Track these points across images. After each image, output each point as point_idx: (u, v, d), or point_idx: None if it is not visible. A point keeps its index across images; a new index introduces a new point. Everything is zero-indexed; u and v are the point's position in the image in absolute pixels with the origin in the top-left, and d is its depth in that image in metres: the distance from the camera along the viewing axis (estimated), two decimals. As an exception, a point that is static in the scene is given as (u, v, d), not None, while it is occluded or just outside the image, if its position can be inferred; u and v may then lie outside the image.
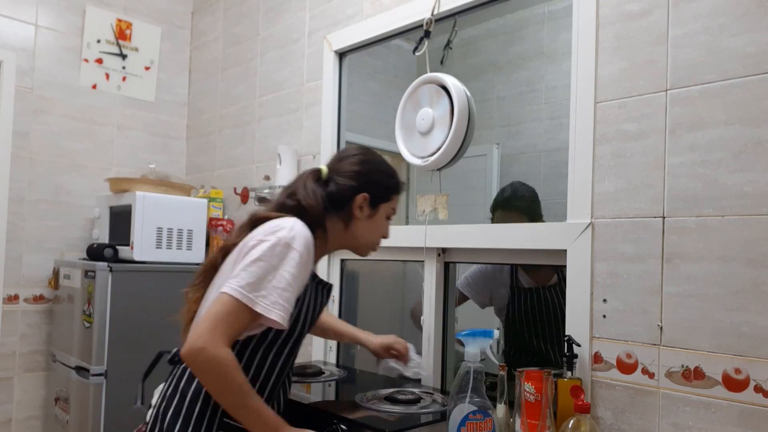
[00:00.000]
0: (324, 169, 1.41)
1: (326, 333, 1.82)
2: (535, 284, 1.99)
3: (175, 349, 1.37)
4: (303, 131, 2.42)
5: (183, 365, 1.31)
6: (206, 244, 2.66)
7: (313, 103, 2.38)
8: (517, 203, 2.01)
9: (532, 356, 2.00)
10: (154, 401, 1.35)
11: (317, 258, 1.37)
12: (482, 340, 1.30)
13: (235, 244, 1.29)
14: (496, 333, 1.35)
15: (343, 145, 2.32)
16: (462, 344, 1.32)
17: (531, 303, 1.99)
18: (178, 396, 1.26)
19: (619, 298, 1.40)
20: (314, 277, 1.37)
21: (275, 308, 1.17)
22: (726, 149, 1.25)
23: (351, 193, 1.38)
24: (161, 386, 1.36)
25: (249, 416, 1.17)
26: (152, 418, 1.28)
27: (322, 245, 1.37)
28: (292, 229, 1.23)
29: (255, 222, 1.31)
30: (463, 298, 2.05)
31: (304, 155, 2.40)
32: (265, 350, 1.28)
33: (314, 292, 1.36)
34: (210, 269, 1.35)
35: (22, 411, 2.68)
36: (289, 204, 1.34)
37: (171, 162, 3.15)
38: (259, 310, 1.15)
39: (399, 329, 2.36)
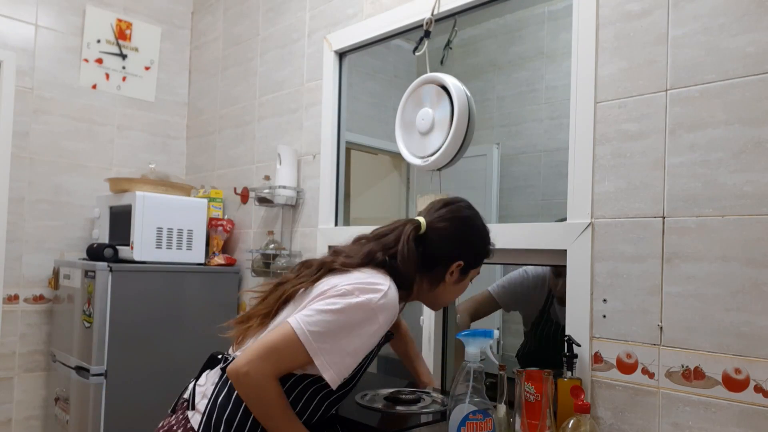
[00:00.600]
0: (423, 224, 1.32)
1: (396, 349, 1.72)
2: (563, 321, 1.95)
3: (229, 355, 1.30)
4: (303, 131, 2.42)
5: None
6: (206, 244, 2.66)
7: (313, 103, 2.38)
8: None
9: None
10: (198, 403, 1.26)
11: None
12: (482, 340, 1.29)
13: (310, 286, 1.23)
14: (496, 333, 1.35)
15: (343, 145, 2.32)
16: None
17: (554, 336, 1.96)
18: (231, 406, 1.20)
19: (619, 298, 1.40)
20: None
21: (332, 368, 1.13)
22: (726, 149, 1.25)
23: (447, 260, 1.32)
24: (195, 385, 1.30)
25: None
26: (202, 426, 1.21)
27: (401, 302, 1.31)
28: (386, 295, 1.16)
29: (334, 269, 1.24)
30: (492, 305, 2.01)
31: (304, 155, 2.40)
32: (316, 390, 1.23)
33: (377, 346, 1.29)
34: (280, 299, 1.26)
35: (22, 411, 2.68)
36: (385, 261, 1.26)
37: (171, 162, 3.15)
38: (317, 363, 1.12)
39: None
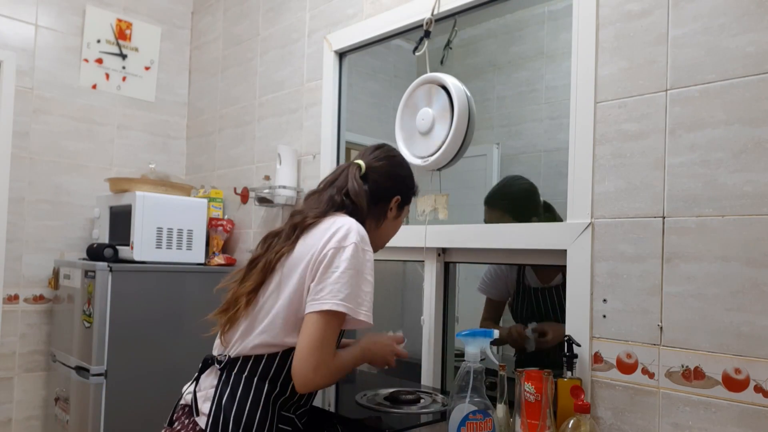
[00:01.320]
0: (363, 165, 1.43)
1: None
2: (540, 284, 1.99)
3: (222, 356, 1.31)
4: (303, 131, 2.42)
5: (235, 371, 1.27)
6: (206, 244, 2.66)
7: (313, 103, 2.38)
8: (502, 201, 1.97)
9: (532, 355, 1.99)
10: (201, 406, 1.26)
11: None
12: (482, 340, 1.30)
13: (291, 249, 1.30)
14: (496, 333, 1.35)
15: (343, 145, 2.32)
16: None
17: (536, 302, 1.98)
18: (236, 405, 1.22)
19: (619, 298, 1.40)
20: None
21: (370, 312, 1.26)
22: (726, 149, 1.25)
23: (388, 194, 1.44)
24: (195, 391, 1.30)
25: (353, 366, 1.39)
26: (209, 429, 1.21)
27: None
28: (358, 232, 1.28)
29: (308, 225, 1.32)
30: (494, 304, 2.02)
31: (304, 155, 2.40)
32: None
33: None
34: (265, 270, 1.31)
35: (22, 411, 2.68)
36: (344, 202, 1.37)
37: (171, 162, 3.15)
38: (361, 317, 1.23)
39: (399, 329, 2.36)
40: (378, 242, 1.47)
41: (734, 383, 1.21)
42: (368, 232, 1.38)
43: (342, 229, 1.28)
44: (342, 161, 2.31)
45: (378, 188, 1.42)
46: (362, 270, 1.25)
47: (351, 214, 1.34)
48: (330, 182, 1.42)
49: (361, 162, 1.43)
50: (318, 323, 1.20)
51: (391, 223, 1.48)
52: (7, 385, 2.65)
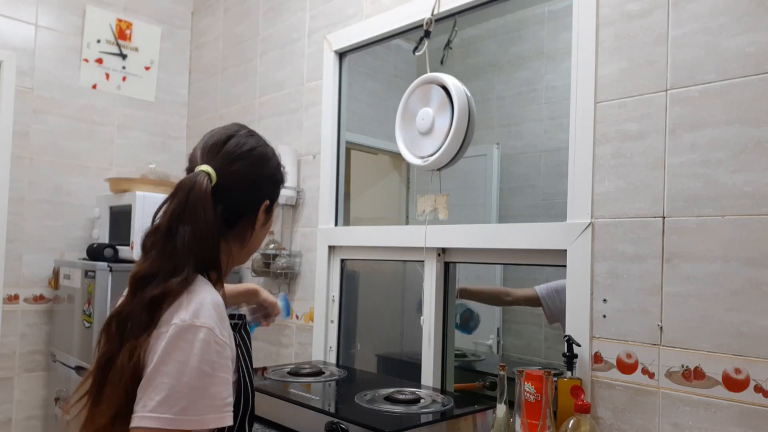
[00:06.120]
0: (212, 175, 1.00)
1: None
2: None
3: None
4: (303, 131, 2.42)
5: None
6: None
7: (313, 103, 2.38)
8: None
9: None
10: None
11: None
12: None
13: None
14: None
15: (343, 145, 2.31)
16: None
17: None
18: None
19: (619, 298, 1.40)
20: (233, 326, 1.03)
21: (217, 414, 0.89)
22: (726, 149, 1.25)
23: (253, 206, 1.07)
24: None
25: None
26: None
27: (220, 284, 1.02)
28: (205, 322, 0.90)
29: (168, 302, 0.92)
30: (529, 302, 1.92)
31: (304, 155, 2.40)
32: (239, 427, 1.02)
33: (240, 341, 1.04)
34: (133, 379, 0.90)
35: (22, 411, 2.68)
36: (189, 258, 0.95)
37: (171, 162, 3.15)
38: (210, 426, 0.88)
39: (399, 329, 2.36)
40: (242, 260, 1.13)
41: (734, 383, 1.21)
42: (229, 262, 1.07)
43: (187, 320, 0.90)
44: (342, 161, 2.31)
45: (238, 204, 1.04)
46: (209, 373, 0.89)
47: (202, 271, 0.97)
48: (172, 227, 0.96)
49: (208, 170, 1.00)
50: None
51: (260, 232, 1.11)
52: (7, 385, 2.65)
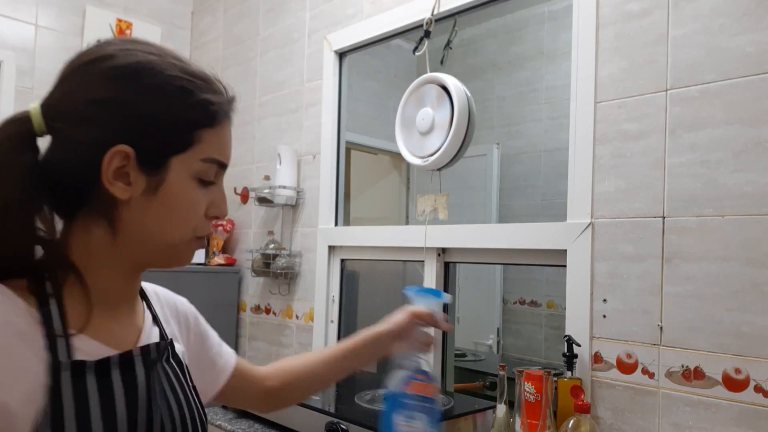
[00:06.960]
0: (37, 118, 0.65)
1: (301, 381, 1.04)
2: None
3: None
4: (303, 131, 2.42)
5: None
6: (206, 244, 2.66)
7: (313, 103, 2.38)
8: None
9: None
10: None
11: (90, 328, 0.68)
12: (430, 299, 1.10)
13: None
14: (448, 297, 1.12)
15: (343, 145, 2.31)
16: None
17: None
18: None
19: (619, 298, 1.40)
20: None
21: None
22: (726, 149, 1.25)
23: (95, 157, 0.65)
24: None
25: None
26: None
27: (80, 297, 0.67)
28: None
29: None
30: None
31: (304, 155, 2.40)
32: None
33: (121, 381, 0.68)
34: None
35: (22, 411, 2.68)
36: None
37: (171, 162, 3.15)
38: None
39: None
40: (156, 252, 0.79)
41: (734, 383, 1.21)
42: (100, 258, 0.72)
43: None
44: (342, 161, 2.31)
45: (75, 156, 0.65)
46: None
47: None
48: None
49: (33, 112, 0.66)
50: None
51: (149, 204, 0.69)
52: None
